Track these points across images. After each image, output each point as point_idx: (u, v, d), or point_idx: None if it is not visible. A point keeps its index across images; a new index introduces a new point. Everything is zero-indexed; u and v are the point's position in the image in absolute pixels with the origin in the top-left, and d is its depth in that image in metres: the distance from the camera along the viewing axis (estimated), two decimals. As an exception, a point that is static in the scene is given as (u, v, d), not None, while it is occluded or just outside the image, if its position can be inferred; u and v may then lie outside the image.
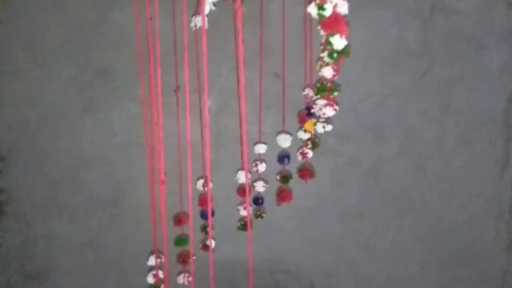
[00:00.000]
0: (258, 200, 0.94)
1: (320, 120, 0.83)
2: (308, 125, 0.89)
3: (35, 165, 1.01)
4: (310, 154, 0.91)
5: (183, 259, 0.87)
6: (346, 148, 1.03)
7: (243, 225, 0.94)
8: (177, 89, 0.90)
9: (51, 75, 0.98)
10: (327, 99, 0.77)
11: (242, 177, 0.91)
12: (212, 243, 0.89)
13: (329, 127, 0.84)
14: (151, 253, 0.81)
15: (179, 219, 0.92)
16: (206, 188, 0.91)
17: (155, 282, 0.80)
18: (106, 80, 0.98)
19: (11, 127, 1.00)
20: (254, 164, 0.94)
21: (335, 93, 0.75)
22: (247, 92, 1.01)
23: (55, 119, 0.99)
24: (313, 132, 0.90)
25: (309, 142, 0.91)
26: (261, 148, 0.93)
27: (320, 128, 0.84)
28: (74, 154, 1.01)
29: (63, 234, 1.03)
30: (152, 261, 0.81)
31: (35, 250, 1.04)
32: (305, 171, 0.93)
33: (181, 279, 0.86)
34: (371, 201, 1.05)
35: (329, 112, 0.78)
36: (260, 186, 0.94)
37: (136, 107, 0.98)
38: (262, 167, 0.94)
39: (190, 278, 0.87)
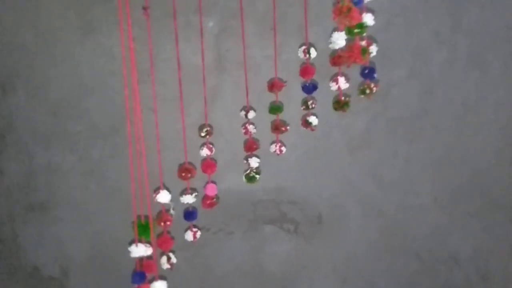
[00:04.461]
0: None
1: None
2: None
3: (35, 92, 1.00)
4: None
5: (276, 127, 0.93)
6: (351, 71, 0.98)
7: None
8: (146, 9, 0.88)
9: (49, -2, 0.96)
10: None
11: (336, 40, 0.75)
12: (315, 120, 0.92)
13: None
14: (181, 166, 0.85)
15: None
16: (308, 56, 0.89)
17: None
18: (106, 1, 0.96)
19: (10, 52, 0.98)
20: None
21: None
22: (249, 12, 0.98)
23: (54, 43, 0.98)
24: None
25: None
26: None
27: None
28: (74, 80, 0.99)
29: (64, 164, 1.02)
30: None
31: (37, 180, 1.03)
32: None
33: (273, 148, 0.94)
34: (379, 128, 1.01)
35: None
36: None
37: (136, 31, 0.96)
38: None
39: (284, 148, 0.94)
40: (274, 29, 0.91)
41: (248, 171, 0.95)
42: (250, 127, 0.93)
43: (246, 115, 0.93)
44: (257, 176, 0.94)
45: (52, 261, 1.06)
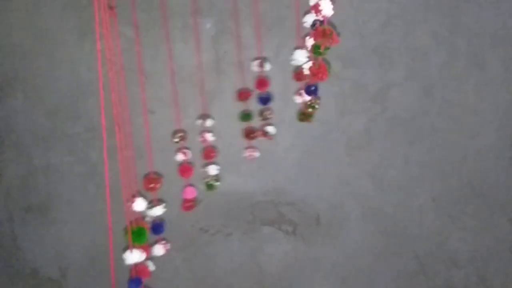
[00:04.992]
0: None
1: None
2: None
3: (34, 94, 1.00)
4: None
5: (247, 134, 0.94)
6: (350, 72, 0.99)
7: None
8: (113, 8, 0.87)
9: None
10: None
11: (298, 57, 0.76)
12: (272, 130, 0.95)
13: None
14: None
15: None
16: (262, 68, 0.92)
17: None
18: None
19: (8, 54, 0.98)
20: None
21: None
22: (247, 14, 0.98)
23: (52, 46, 0.98)
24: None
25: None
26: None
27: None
28: (72, 82, 0.99)
29: (63, 165, 1.02)
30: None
31: (35, 182, 1.03)
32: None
33: (246, 153, 0.96)
34: (378, 129, 1.01)
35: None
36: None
37: (132, 32, 0.96)
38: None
39: (256, 153, 0.96)
40: (259, 38, 0.91)
41: (208, 179, 0.94)
42: (208, 135, 0.93)
43: (203, 124, 0.92)
44: (217, 183, 0.94)
45: (51, 262, 1.06)
